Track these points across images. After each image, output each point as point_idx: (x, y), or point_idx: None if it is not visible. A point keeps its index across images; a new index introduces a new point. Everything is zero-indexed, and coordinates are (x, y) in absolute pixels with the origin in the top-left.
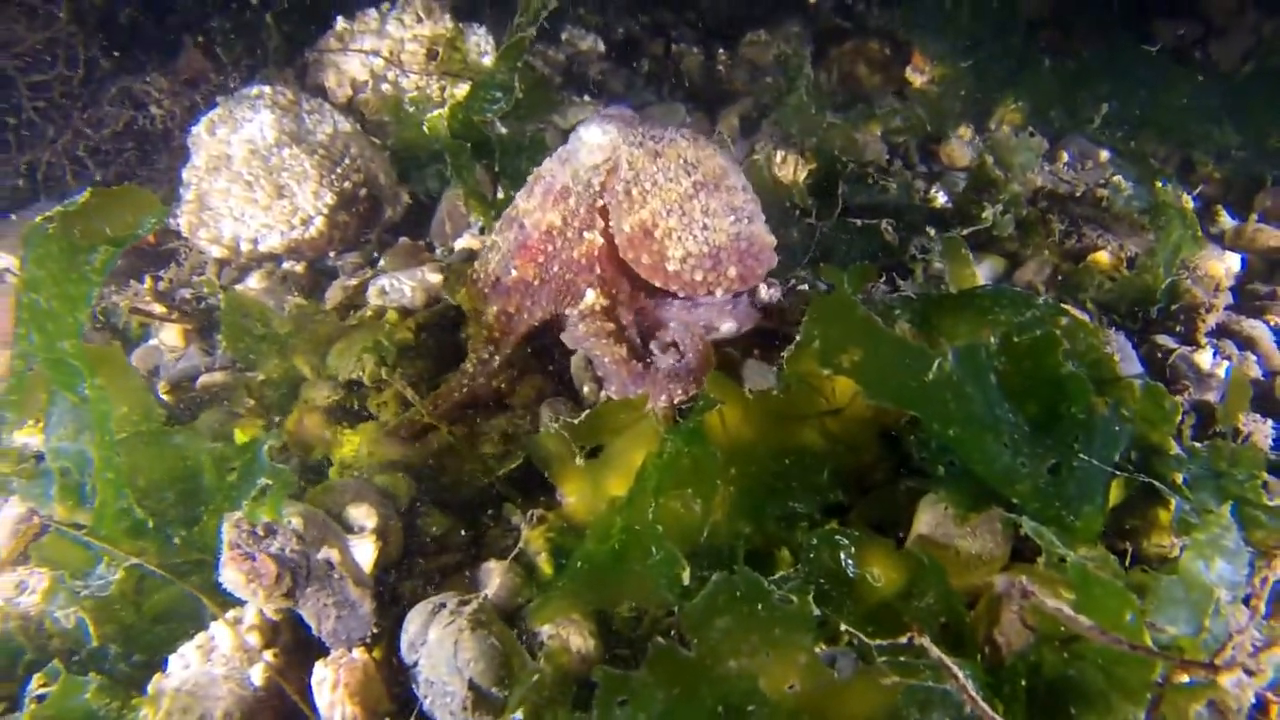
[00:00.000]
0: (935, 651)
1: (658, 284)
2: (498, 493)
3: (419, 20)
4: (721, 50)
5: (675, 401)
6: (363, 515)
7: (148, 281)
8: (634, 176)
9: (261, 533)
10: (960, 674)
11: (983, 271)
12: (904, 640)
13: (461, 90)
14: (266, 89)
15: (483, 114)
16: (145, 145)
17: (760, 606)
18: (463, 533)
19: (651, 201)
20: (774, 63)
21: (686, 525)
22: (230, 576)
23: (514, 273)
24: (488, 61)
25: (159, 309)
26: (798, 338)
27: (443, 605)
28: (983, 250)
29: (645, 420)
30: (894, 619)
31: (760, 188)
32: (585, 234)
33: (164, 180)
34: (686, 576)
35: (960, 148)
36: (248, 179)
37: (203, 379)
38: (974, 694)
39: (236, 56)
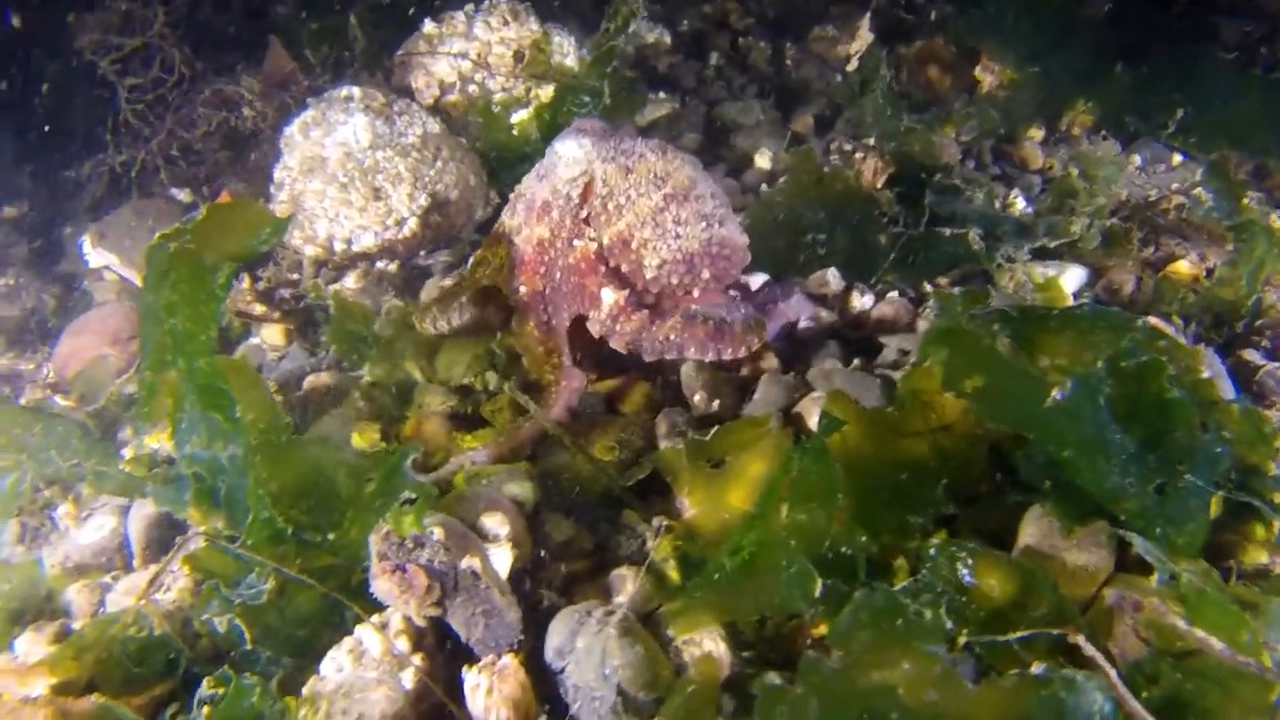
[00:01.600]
0: (1091, 649)
1: (640, 288)
2: (616, 499)
3: (505, 23)
4: (789, 44)
5: (753, 349)
6: (497, 523)
7: (246, 281)
8: (608, 192)
9: (410, 545)
10: (1113, 673)
11: (1068, 282)
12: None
13: (546, 91)
14: (356, 90)
15: (570, 117)
16: (236, 145)
17: (899, 621)
18: (588, 540)
19: (626, 215)
20: (845, 59)
21: (811, 537)
22: (383, 587)
23: (522, 289)
24: (570, 63)
25: (260, 309)
26: (914, 357)
27: (589, 614)
28: (1062, 259)
29: (766, 435)
30: (1009, 627)
31: (847, 194)
32: (576, 242)
33: (254, 179)
34: (818, 588)
35: (1033, 150)
36: (343, 181)
37: (309, 380)
38: (1127, 694)
39: (323, 58)
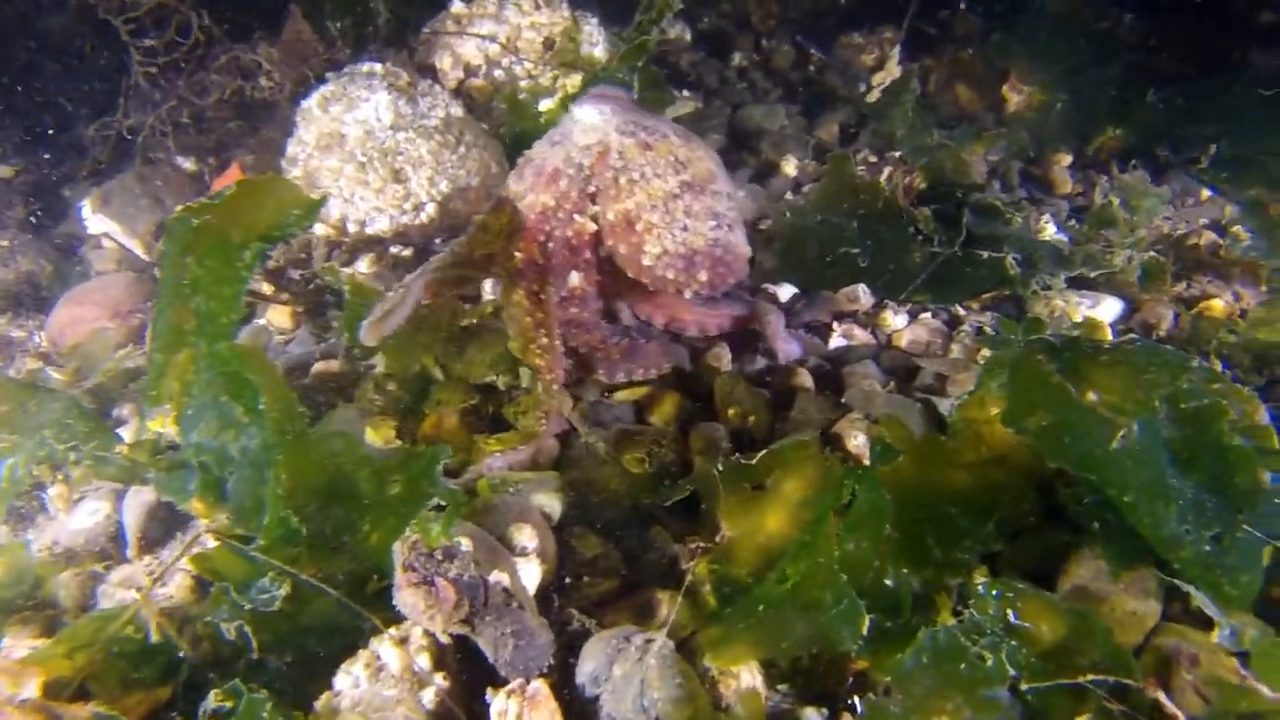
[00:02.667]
0: (1174, 709)
1: (630, 274)
2: (644, 514)
3: (536, 7)
4: (813, 50)
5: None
6: (526, 537)
7: None
8: (623, 166)
9: (440, 557)
10: None
11: (1104, 314)
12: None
13: (573, 81)
14: (379, 67)
15: None
16: (248, 116)
17: (963, 665)
18: (616, 557)
19: (637, 194)
20: (872, 67)
21: (858, 569)
22: (408, 600)
23: (518, 255)
24: (599, 53)
25: (268, 288)
26: (972, 386)
27: (627, 640)
28: (1096, 289)
29: (812, 458)
30: (1057, 672)
31: (885, 207)
32: (576, 217)
33: (264, 152)
34: (866, 625)
35: (1062, 173)
36: (361, 160)
37: (318, 367)
38: None
39: (345, 30)
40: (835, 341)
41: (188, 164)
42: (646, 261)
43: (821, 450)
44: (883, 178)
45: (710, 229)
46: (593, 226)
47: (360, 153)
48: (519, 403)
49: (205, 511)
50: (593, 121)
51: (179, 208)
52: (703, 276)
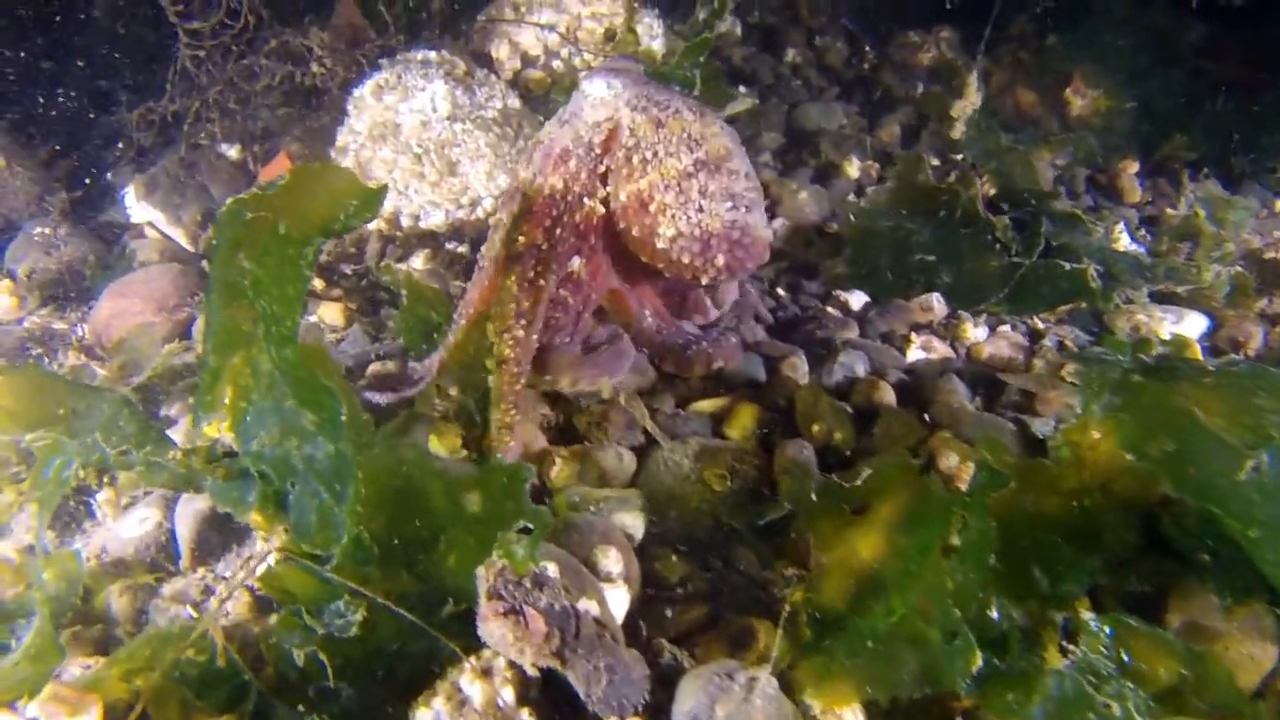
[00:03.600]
0: None
1: (644, 258)
2: (728, 533)
3: None
4: (868, 47)
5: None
6: (611, 561)
7: None
8: (635, 144)
9: (529, 584)
10: None
11: (1189, 330)
12: None
13: None
14: (434, 55)
15: None
16: (297, 103)
17: (1090, 715)
18: (702, 581)
19: (650, 173)
20: (929, 67)
21: (965, 602)
22: (494, 630)
23: (520, 240)
24: (657, 46)
25: (319, 284)
26: (1066, 406)
27: (729, 678)
28: (1170, 302)
29: (914, 480)
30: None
31: (963, 216)
32: (585, 200)
33: (312, 141)
34: (979, 663)
35: (1131, 181)
36: (417, 151)
37: (373, 368)
38: None
39: (396, 15)
40: (914, 354)
41: (231, 151)
42: (660, 244)
43: (923, 472)
44: (950, 181)
45: (727, 210)
46: (601, 209)
47: (415, 144)
48: (590, 411)
49: (265, 524)
50: (602, 95)
51: (230, 200)
52: (720, 261)
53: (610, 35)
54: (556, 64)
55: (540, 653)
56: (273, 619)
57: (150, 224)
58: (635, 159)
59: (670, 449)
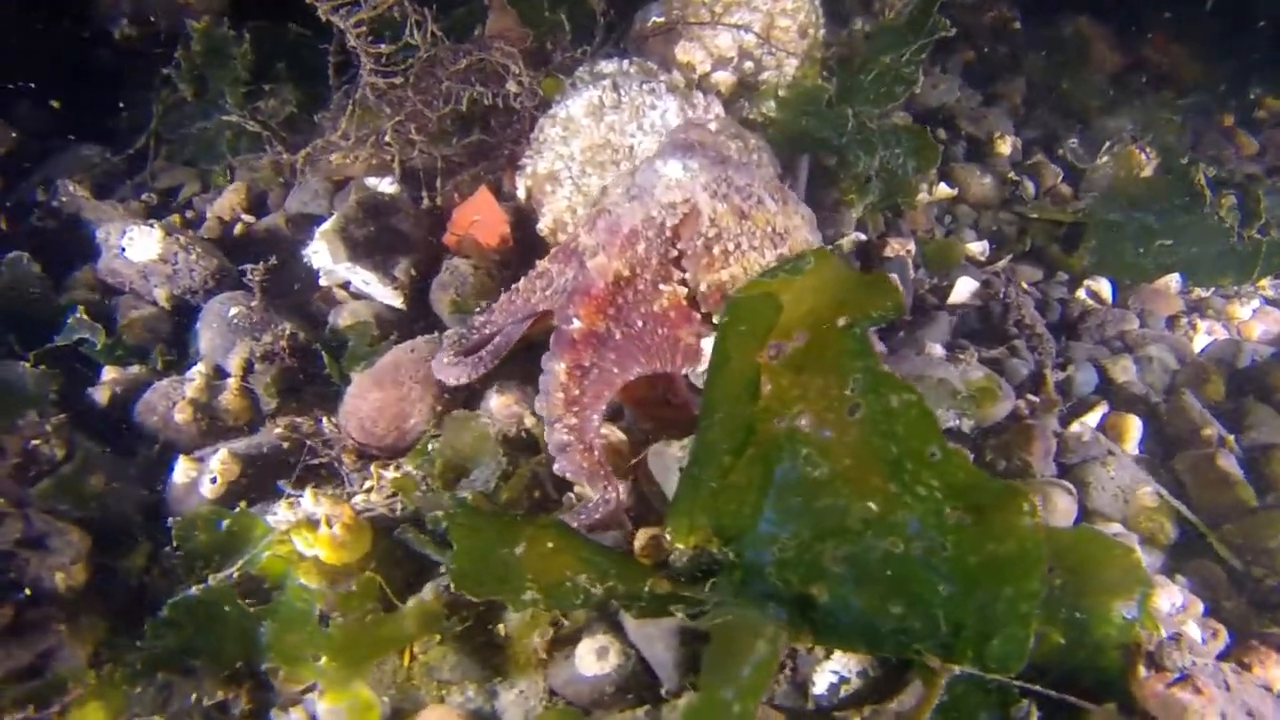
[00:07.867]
0: None
1: None
2: None
3: None
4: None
5: None
6: None
7: None
8: (716, 234)
9: None
10: None
11: None
12: None
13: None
14: (629, 65)
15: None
16: (487, 126)
17: None
18: None
19: (733, 266)
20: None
21: None
22: None
23: (577, 323)
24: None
25: None
26: None
27: None
28: None
29: None
30: None
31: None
32: (662, 286)
33: (496, 171)
34: None
35: (1248, 139)
36: None
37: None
38: None
39: (554, 21)
40: (1200, 340)
41: (384, 184)
42: None
43: None
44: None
45: None
46: (684, 290)
47: None
48: None
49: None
50: (678, 177)
51: (751, 282)
52: None
53: (803, 32)
54: (748, 65)
55: None
56: None
57: (346, 285)
58: (716, 249)
59: None
